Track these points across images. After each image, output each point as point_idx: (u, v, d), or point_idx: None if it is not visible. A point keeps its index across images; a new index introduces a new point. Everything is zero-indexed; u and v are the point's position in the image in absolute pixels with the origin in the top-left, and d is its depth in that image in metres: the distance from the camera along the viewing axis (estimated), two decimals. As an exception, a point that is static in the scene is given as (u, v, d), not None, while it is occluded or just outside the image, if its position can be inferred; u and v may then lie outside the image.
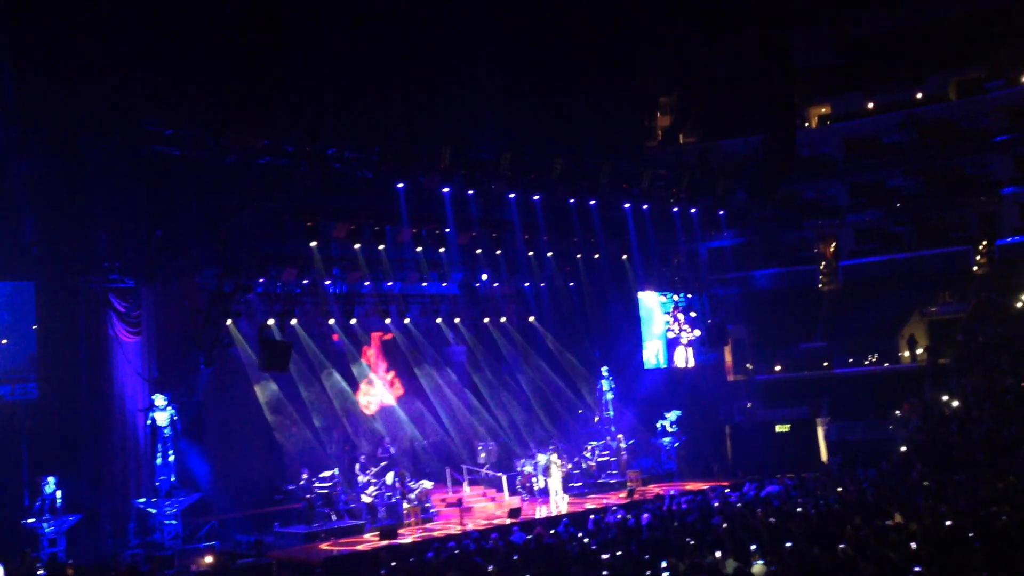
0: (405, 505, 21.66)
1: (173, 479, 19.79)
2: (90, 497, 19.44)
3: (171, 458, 19.83)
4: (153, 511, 19.52)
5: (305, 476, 21.68)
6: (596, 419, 28.62)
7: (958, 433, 24.76)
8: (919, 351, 33.25)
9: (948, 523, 13.46)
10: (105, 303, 20.49)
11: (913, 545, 12.01)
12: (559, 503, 23.02)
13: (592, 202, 26.94)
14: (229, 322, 21.31)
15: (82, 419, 19.96)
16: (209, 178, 20.69)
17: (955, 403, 26.97)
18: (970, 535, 12.39)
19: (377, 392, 27.11)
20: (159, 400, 19.80)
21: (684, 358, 31.80)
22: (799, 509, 16.43)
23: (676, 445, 28.22)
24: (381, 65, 25.42)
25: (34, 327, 19.81)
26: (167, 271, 21.31)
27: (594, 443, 27.53)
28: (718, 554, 12.53)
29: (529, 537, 16.32)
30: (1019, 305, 31.36)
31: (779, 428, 29.82)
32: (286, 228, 23.25)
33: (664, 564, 12.04)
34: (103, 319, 20.47)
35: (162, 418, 19.75)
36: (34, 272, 19.95)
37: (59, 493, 18.55)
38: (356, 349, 26.80)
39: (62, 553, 18.20)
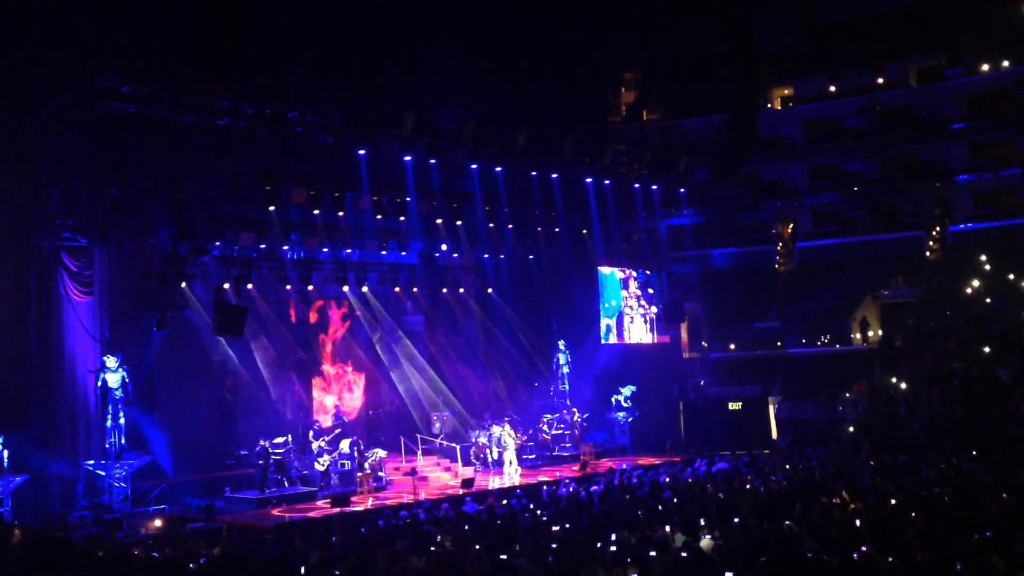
0: (358, 473, 21.66)
1: (123, 441, 19.60)
2: (38, 458, 19.14)
3: (121, 420, 19.63)
4: (102, 473, 19.35)
5: (262, 442, 21.54)
6: (552, 392, 28.77)
7: (905, 415, 25.25)
8: (871, 333, 33.77)
9: (892, 502, 13.72)
10: (57, 262, 20.12)
11: (857, 523, 12.23)
12: (512, 475, 23.15)
13: (554, 175, 26.91)
14: (183, 284, 21.04)
15: (31, 379, 19.62)
16: (166, 137, 20.29)
17: (903, 386, 27.46)
18: (912, 515, 12.63)
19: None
20: (110, 361, 19.54)
21: (640, 334, 31.99)
22: (748, 485, 16.69)
23: (630, 420, 28.46)
24: (345, 29, 25.00)
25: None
26: (121, 231, 20.93)
27: (549, 416, 27.70)
28: (667, 528, 12.66)
29: (481, 508, 16.38)
30: (969, 291, 31.90)
31: (731, 406, 30.14)
32: (244, 191, 22.87)
33: (614, 537, 12.13)
34: (54, 278, 20.10)
35: (113, 379, 19.51)
36: (-17, 229, 19.49)
37: (6, 453, 18.31)
38: (315, 324, 26.63)
39: (8, 514, 17.95)
